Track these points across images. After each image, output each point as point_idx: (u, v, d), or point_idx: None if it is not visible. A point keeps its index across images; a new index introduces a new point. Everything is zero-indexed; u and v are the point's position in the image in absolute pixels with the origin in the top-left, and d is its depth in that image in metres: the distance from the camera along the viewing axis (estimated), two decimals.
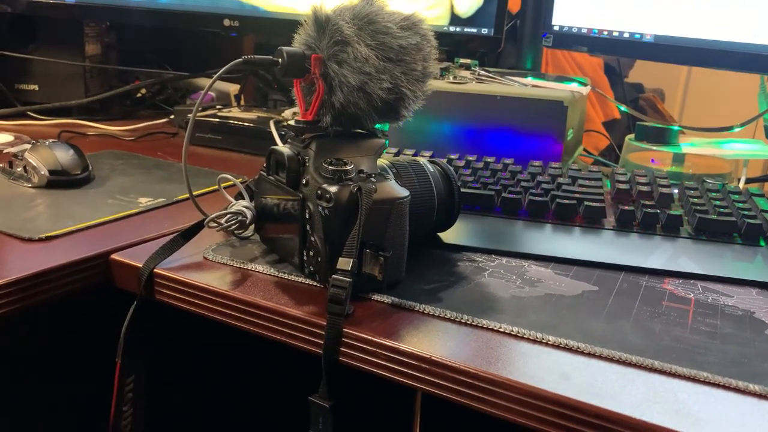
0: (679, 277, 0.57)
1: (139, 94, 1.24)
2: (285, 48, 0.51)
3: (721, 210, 0.66)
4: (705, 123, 0.97)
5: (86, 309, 0.68)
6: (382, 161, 0.56)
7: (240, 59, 0.52)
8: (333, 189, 0.49)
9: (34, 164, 0.75)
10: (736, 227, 0.64)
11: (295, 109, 0.54)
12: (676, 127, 0.90)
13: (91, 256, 0.58)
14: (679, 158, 0.88)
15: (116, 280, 0.59)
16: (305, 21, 0.52)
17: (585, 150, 1.05)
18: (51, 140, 0.80)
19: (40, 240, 0.61)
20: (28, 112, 1.10)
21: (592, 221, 0.66)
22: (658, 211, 0.66)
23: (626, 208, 0.66)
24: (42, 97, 1.14)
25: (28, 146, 0.78)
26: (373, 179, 0.51)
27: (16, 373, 0.69)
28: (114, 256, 0.58)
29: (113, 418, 0.57)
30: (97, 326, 0.65)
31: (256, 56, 0.52)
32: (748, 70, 0.82)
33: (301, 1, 0.98)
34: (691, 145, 0.90)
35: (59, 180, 0.75)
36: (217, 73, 0.51)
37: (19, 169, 0.77)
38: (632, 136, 0.92)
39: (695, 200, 0.68)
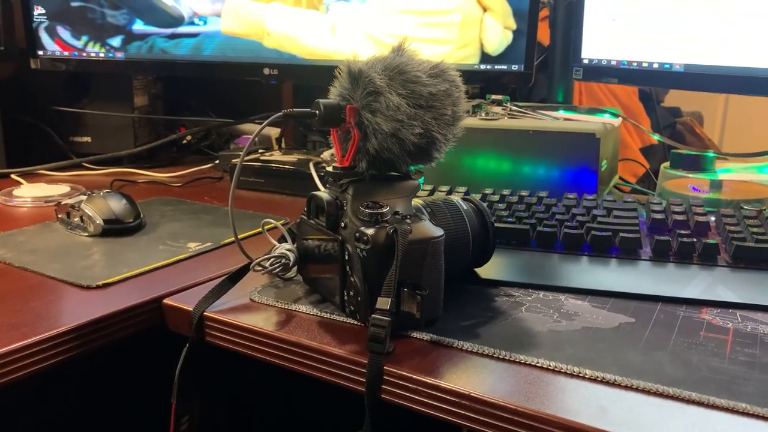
0: (716, 307, 0.57)
1: (184, 141, 1.29)
2: (322, 100, 0.54)
3: (759, 237, 0.66)
4: (746, 145, 0.96)
5: (141, 352, 0.71)
6: (416, 202, 0.58)
7: (281, 113, 0.55)
8: (370, 231, 0.52)
9: (90, 214, 0.80)
10: None
11: (333, 151, 0.57)
12: (711, 154, 0.90)
13: (146, 302, 0.62)
14: (716, 185, 0.87)
15: (169, 323, 0.62)
16: (339, 73, 0.55)
17: (621, 178, 1.05)
18: (105, 190, 0.85)
19: (98, 287, 0.64)
20: (83, 164, 1.16)
21: (628, 252, 0.67)
22: (694, 240, 0.66)
23: (662, 238, 0.67)
24: (95, 148, 1.21)
25: (84, 197, 0.83)
26: (408, 220, 0.53)
27: (75, 413, 0.73)
28: (166, 301, 0.62)
29: None
30: (152, 369, 0.68)
31: (295, 110, 0.55)
32: None
33: (335, 47, 1.02)
34: (728, 171, 0.89)
35: (113, 228, 0.80)
36: (260, 127, 0.54)
37: (76, 219, 0.82)
38: (667, 164, 0.92)
39: (732, 228, 0.68)
